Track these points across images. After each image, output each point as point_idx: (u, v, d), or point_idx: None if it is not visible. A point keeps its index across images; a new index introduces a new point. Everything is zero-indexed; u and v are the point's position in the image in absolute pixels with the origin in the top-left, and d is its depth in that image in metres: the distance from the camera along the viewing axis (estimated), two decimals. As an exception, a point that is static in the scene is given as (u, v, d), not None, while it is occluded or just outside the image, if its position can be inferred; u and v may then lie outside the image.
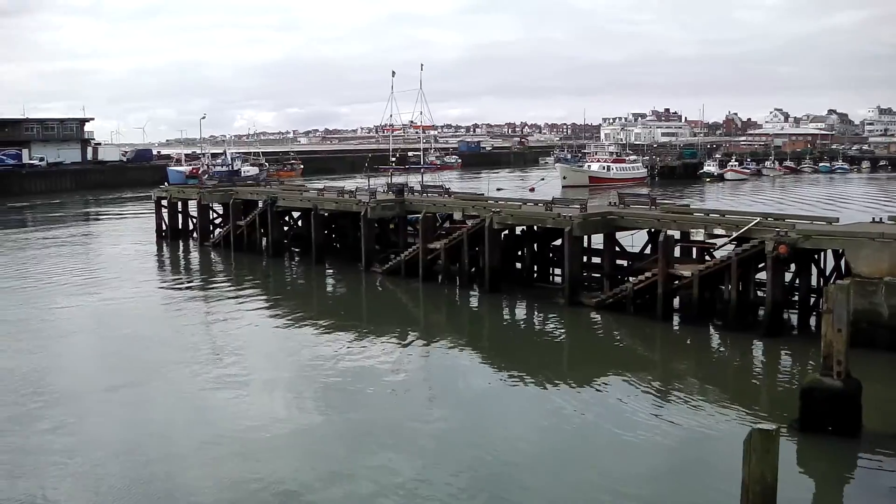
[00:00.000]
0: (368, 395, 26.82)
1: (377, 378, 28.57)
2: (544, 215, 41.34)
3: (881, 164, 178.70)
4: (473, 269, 44.11)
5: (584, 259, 41.50)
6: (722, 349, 33.66)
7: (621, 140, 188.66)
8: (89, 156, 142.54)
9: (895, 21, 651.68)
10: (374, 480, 20.18)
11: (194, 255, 59.56)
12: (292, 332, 35.74)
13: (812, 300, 34.98)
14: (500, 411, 25.40)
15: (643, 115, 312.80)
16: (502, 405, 26.01)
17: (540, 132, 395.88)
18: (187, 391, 27.58)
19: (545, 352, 33.10)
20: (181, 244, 62.98)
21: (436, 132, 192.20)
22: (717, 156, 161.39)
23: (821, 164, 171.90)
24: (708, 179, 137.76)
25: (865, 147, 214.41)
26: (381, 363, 30.51)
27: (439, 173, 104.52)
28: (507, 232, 43.59)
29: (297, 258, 55.64)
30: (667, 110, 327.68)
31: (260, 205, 56.32)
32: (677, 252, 37.96)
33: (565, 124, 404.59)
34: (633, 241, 41.47)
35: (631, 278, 38.02)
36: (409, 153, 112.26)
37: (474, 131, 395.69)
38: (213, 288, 46.50)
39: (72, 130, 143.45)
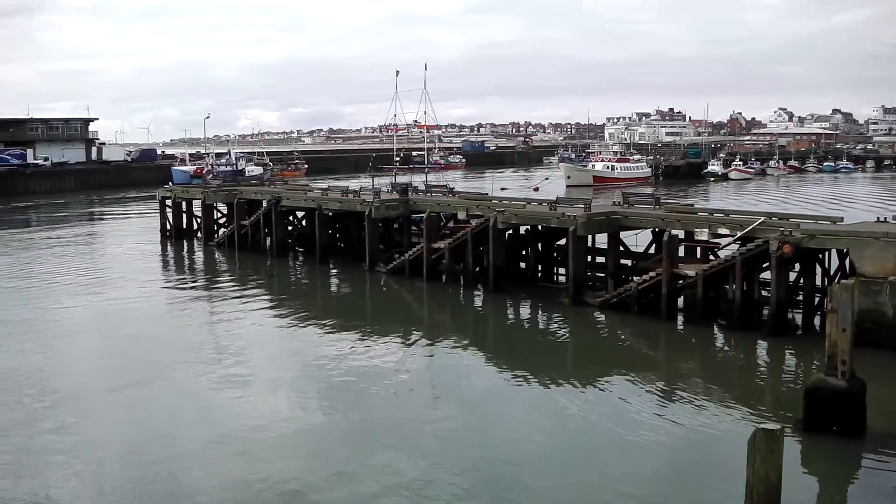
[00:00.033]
0: (372, 395, 26.82)
1: (381, 378, 28.57)
2: (548, 215, 41.32)
3: (886, 163, 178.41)
4: (477, 269, 44.07)
5: (588, 258, 41.52)
6: (726, 349, 33.61)
7: (625, 139, 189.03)
8: (93, 156, 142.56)
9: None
10: (377, 480, 20.17)
11: (198, 255, 59.61)
12: (296, 332, 35.75)
13: (816, 300, 34.94)
14: (504, 411, 25.38)
15: (647, 115, 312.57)
16: (506, 405, 25.99)
17: (544, 132, 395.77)
18: (191, 391, 27.61)
19: (549, 351, 33.08)
20: (185, 244, 63.02)
21: (440, 132, 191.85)
22: (722, 155, 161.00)
23: (825, 164, 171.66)
24: (712, 179, 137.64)
25: (870, 146, 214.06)
26: (385, 363, 30.51)
27: (443, 173, 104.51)
28: (511, 231, 43.58)
29: (301, 258, 55.66)
30: (671, 110, 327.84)
31: (264, 204, 56.34)
32: (681, 252, 37.93)
33: (569, 124, 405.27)
34: (638, 240, 41.41)
35: (635, 278, 37.98)
36: (413, 153, 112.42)
37: (478, 131, 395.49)
38: (217, 288, 46.53)
39: (76, 130, 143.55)
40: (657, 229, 38.95)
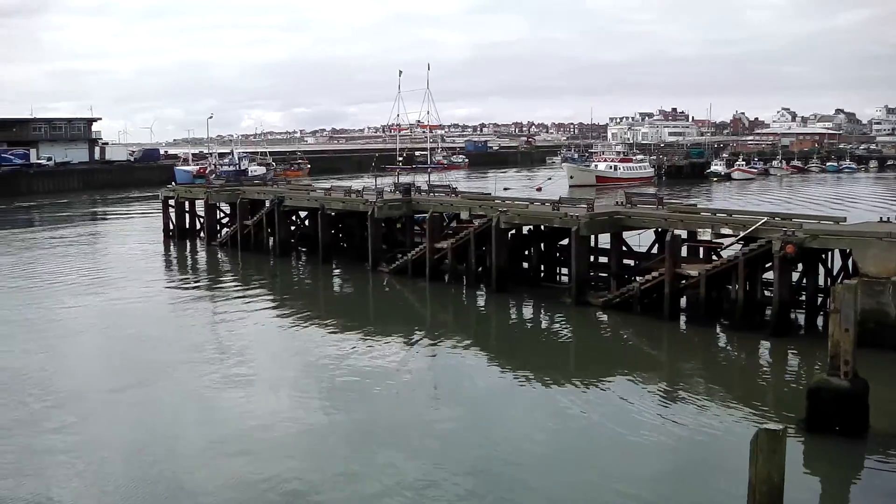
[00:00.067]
0: (375, 395, 26.83)
1: (384, 378, 28.57)
2: (551, 215, 41.31)
3: (889, 163, 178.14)
4: (480, 269, 44.06)
5: (591, 259, 41.51)
6: (729, 349, 33.61)
7: (628, 139, 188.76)
8: (97, 155, 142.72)
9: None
10: (379, 480, 20.19)
11: (201, 255, 59.63)
12: (299, 332, 35.76)
13: (819, 300, 34.91)
14: (506, 411, 25.38)
15: (650, 115, 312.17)
16: (508, 405, 25.99)
17: (547, 132, 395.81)
18: (194, 391, 27.63)
19: (552, 352, 33.09)
20: (188, 244, 63.07)
21: (443, 132, 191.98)
22: (725, 155, 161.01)
23: (828, 164, 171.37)
24: (715, 179, 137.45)
25: (873, 146, 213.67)
26: (388, 363, 30.52)
27: (446, 173, 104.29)
28: (514, 231, 43.59)
29: (303, 258, 55.68)
30: (674, 110, 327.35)
31: (267, 204, 56.39)
32: (684, 252, 37.92)
33: (572, 124, 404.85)
34: (640, 240, 41.42)
35: (638, 278, 37.98)
36: (416, 153, 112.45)
37: (481, 131, 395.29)
38: (220, 288, 46.56)
39: (79, 130, 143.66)
40: (660, 229, 38.93)
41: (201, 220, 64.18)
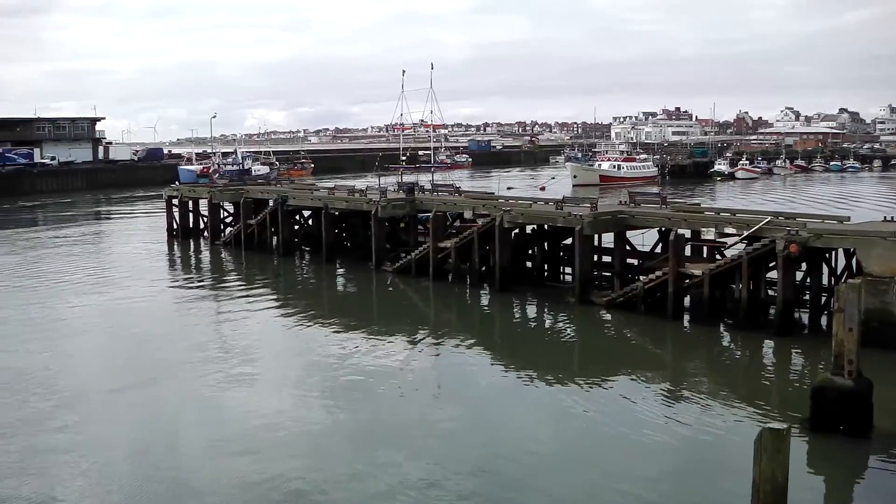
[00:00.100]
0: (378, 395, 26.85)
1: (387, 377, 28.59)
2: (555, 214, 41.30)
3: (892, 162, 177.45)
4: (484, 268, 44.08)
5: (595, 258, 41.44)
6: (732, 348, 33.59)
7: (632, 139, 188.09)
8: (100, 155, 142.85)
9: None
10: (383, 480, 20.20)
11: (205, 254, 59.69)
12: (302, 331, 35.79)
13: (823, 299, 34.89)
14: (510, 411, 25.39)
15: (654, 114, 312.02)
16: (512, 404, 26.00)
17: (550, 131, 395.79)
18: (198, 390, 27.64)
19: (555, 351, 33.09)
20: (192, 243, 63.12)
21: (446, 131, 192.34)
22: (728, 155, 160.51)
23: (832, 163, 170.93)
24: (719, 178, 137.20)
25: (877, 146, 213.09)
26: (391, 362, 30.53)
27: (450, 172, 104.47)
28: (517, 231, 43.56)
29: (307, 257, 55.69)
30: (677, 109, 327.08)
31: (270, 204, 56.43)
32: (688, 251, 37.88)
33: (576, 123, 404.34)
34: (644, 239, 41.43)
35: (641, 277, 37.95)
36: (420, 152, 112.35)
37: (485, 130, 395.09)
38: (223, 287, 46.59)
39: (83, 130, 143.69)
40: (663, 229, 38.89)
41: (205, 219, 64.23)
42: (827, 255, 34.85)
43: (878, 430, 22.28)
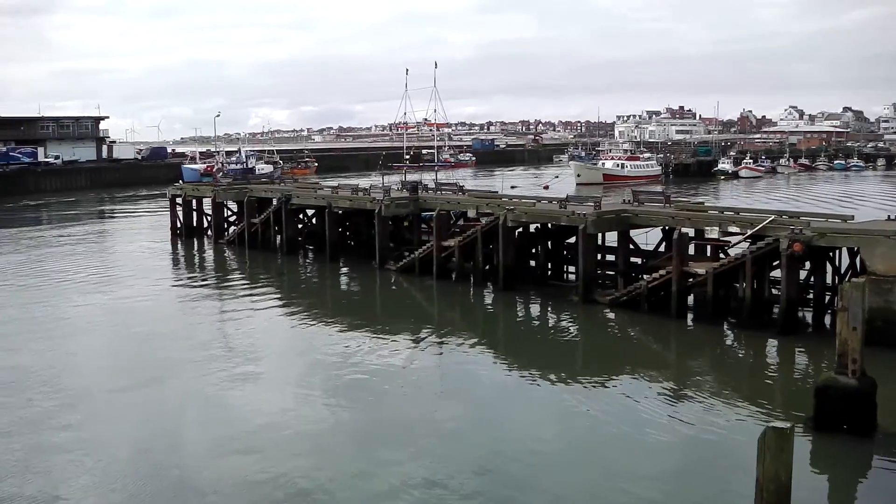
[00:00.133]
0: (382, 393, 26.88)
1: (390, 376, 28.61)
2: (558, 213, 41.31)
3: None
4: (487, 267, 44.08)
5: (599, 257, 41.50)
6: (736, 347, 33.57)
7: (635, 138, 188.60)
8: (104, 154, 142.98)
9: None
10: (386, 479, 20.22)
11: (209, 253, 59.76)
12: (306, 330, 35.82)
13: (827, 298, 34.86)
14: (514, 410, 25.39)
15: (657, 113, 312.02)
16: (516, 403, 26.00)
17: (554, 130, 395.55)
18: (201, 389, 27.66)
19: (559, 350, 33.08)
20: (196, 242, 63.17)
21: (450, 130, 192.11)
22: (732, 153, 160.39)
23: (836, 162, 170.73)
24: (722, 177, 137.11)
25: (881, 144, 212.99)
26: (395, 361, 30.55)
27: (453, 171, 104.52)
28: (521, 230, 43.55)
29: (311, 256, 55.73)
30: (681, 108, 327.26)
31: (274, 202, 56.45)
32: (692, 250, 37.87)
33: (579, 122, 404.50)
34: (648, 238, 41.43)
35: (645, 276, 37.89)
36: (423, 151, 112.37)
37: (488, 129, 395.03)
38: (227, 286, 46.63)
39: (87, 129, 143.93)
40: (667, 227, 38.88)
41: (209, 218, 64.30)
42: (831, 253, 34.83)
43: (881, 429, 22.27)
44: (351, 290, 46.97)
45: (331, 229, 52.05)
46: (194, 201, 65.23)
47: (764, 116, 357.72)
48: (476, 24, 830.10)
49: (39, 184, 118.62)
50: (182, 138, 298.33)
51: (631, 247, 40.67)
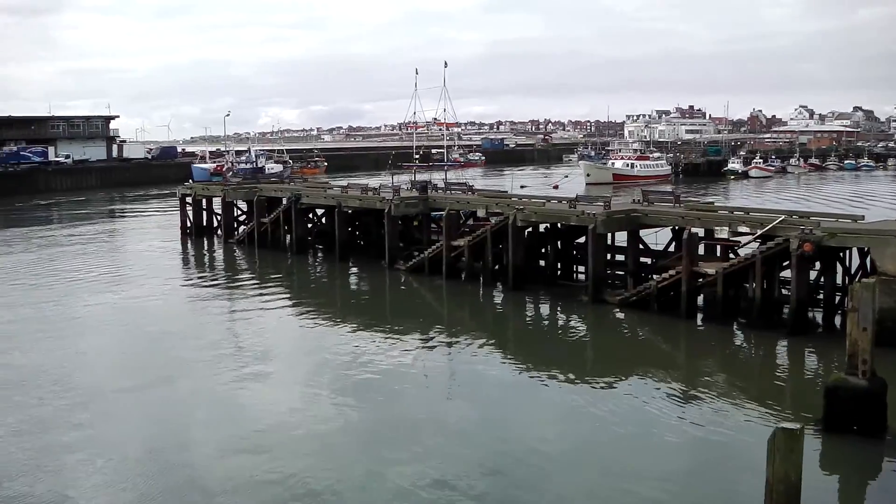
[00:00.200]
0: (391, 393, 26.91)
1: (400, 376, 28.66)
2: (568, 213, 41.29)
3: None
4: (497, 267, 44.08)
5: (608, 256, 41.44)
6: (746, 347, 33.52)
7: (645, 137, 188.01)
8: (114, 153, 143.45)
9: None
10: (394, 479, 20.23)
11: (219, 253, 59.90)
12: (316, 330, 35.88)
13: (837, 298, 34.75)
14: (523, 410, 25.40)
15: (667, 112, 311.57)
16: (525, 404, 26.01)
17: (563, 129, 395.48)
18: (212, 388, 27.74)
19: (568, 350, 33.07)
20: (206, 241, 63.32)
21: (459, 129, 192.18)
22: (742, 153, 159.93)
23: (846, 162, 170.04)
24: (732, 177, 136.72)
25: (891, 144, 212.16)
26: (404, 361, 30.58)
27: (463, 171, 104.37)
28: (530, 229, 43.50)
29: (320, 255, 55.79)
30: (691, 107, 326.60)
31: (284, 202, 56.58)
32: (701, 250, 37.83)
33: (589, 121, 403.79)
34: (657, 238, 41.37)
35: (655, 276, 37.85)
36: (433, 150, 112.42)
37: (498, 128, 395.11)
38: (237, 285, 46.73)
39: (97, 128, 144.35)
40: (677, 227, 38.83)
41: (219, 217, 64.37)
42: (841, 254, 34.72)
43: (892, 430, 22.21)
44: (360, 290, 47.02)
45: (340, 229, 52.11)
46: (204, 201, 65.40)
47: (774, 116, 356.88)
48: (482, 24, 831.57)
49: (50, 183, 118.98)
50: (192, 137, 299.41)
51: (641, 247, 40.60)
